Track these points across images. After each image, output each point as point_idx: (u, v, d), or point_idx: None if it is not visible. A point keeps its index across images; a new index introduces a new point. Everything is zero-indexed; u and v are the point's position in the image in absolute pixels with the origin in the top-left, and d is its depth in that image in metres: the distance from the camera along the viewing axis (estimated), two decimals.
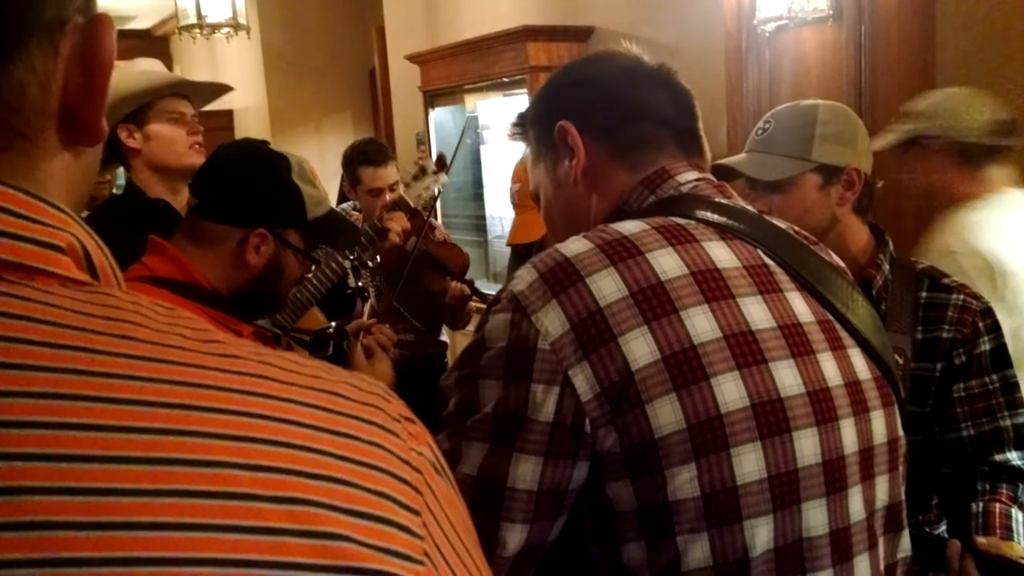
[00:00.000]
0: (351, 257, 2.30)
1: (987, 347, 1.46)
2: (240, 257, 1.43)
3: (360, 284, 2.11)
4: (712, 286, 0.82)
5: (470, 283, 2.75)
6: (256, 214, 1.43)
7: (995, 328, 1.47)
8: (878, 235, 1.57)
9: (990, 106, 1.89)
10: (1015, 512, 1.39)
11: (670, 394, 0.77)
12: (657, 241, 0.84)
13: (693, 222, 0.88)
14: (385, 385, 0.43)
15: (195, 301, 1.39)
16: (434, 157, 2.75)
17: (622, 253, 0.82)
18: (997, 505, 1.40)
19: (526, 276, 0.83)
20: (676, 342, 0.78)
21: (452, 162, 2.67)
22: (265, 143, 1.55)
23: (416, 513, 0.37)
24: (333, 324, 1.63)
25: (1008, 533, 1.35)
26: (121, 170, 3.27)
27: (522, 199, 3.69)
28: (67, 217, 0.39)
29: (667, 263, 0.82)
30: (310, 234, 1.51)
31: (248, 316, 1.49)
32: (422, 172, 2.56)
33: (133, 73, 2.01)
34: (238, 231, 1.42)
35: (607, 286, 0.80)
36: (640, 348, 0.77)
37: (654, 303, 0.79)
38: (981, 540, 1.33)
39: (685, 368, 0.78)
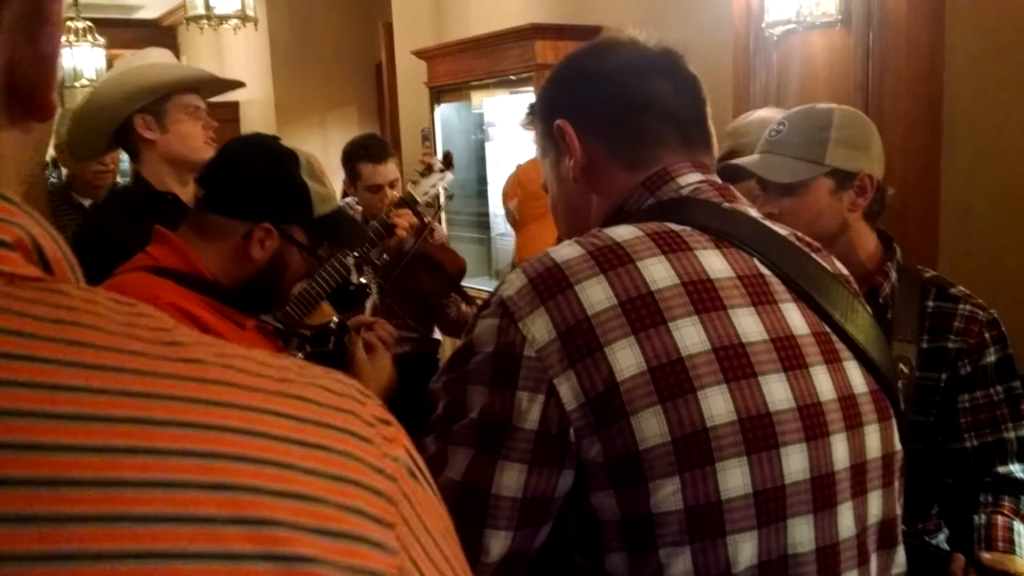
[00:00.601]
0: (355, 253, 2.30)
1: (992, 358, 1.46)
2: (244, 251, 1.42)
3: (363, 280, 2.11)
4: (703, 297, 0.81)
5: (464, 293, 2.74)
6: (261, 208, 1.42)
7: (1001, 339, 1.47)
8: (886, 242, 1.56)
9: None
10: (1017, 525, 1.38)
11: (655, 406, 0.76)
12: (649, 249, 0.82)
13: (689, 229, 0.86)
14: (360, 383, 0.41)
15: (198, 292, 1.39)
16: (440, 155, 2.73)
17: (613, 261, 0.81)
18: (1000, 518, 1.39)
19: (516, 281, 0.82)
20: (663, 354, 0.77)
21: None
22: (276, 139, 1.55)
23: (390, 526, 0.35)
24: (335, 319, 1.63)
25: (1011, 547, 1.35)
26: (125, 159, 3.27)
27: (521, 212, 3.69)
28: (15, 208, 0.36)
29: (658, 272, 0.81)
30: (315, 231, 1.50)
31: (250, 310, 1.49)
32: (428, 169, 2.55)
33: (157, 65, 1.99)
34: (243, 225, 1.42)
35: (596, 294, 0.79)
36: (626, 359, 0.76)
37: (643, 313, 0.78)
38: (986, 556, 1.33)
39: (672, 380, 0.76)
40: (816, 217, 1.47)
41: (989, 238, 2.50)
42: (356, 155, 2.80)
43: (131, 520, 0.30)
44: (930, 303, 1.49)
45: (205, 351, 0.36)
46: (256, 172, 1.44)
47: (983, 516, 1.41)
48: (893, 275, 1.51)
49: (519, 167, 3.78)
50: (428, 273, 2.75)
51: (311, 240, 1.50)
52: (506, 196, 3.82)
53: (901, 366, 1.43)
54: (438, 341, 3.10)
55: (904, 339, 1.45)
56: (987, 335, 1.46)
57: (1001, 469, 1.45)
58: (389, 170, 2.80)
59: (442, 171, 2.57)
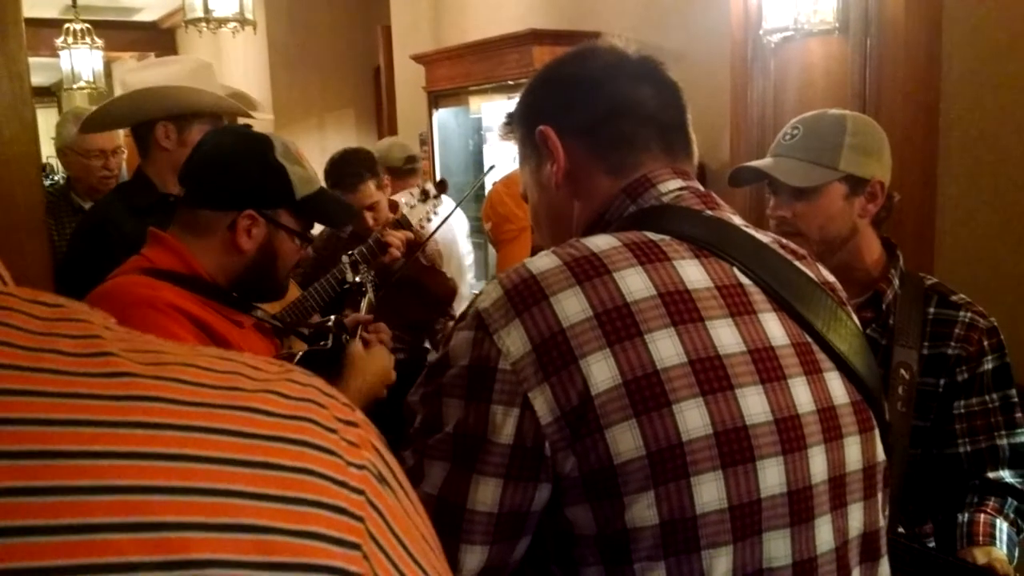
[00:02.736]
0: (350, 253, 2.31)
1: (990, 366, 1.47)
2: (232, 242, 1.42)
3: (358, 279, 2.11)
4: (680, 308, 0.80)
5: (452, 317, 2.73)
6: (241, 195, 1.42)
7: (999, 347, 1.48)
8: (890, 249, 1.58)
9: (405, 147, 3.62)
10: (999, 522, 1.40)
11: (630, 420, 0.75)
12: (626, 260, 0.81)
13: (667, 238, 0.85)
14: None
15: (196, 292, 1.39)
16: (438, 178, 2.76)
17: (589, 272, 0.80)
18: (982, 515, 1.42)
19: (492, 293, 0.81)
20: (639, 367, 0.76)
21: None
22: (248, 127, 1.54)
23: (354, 547, 0.31)
24: (332, 318, 1.63)
25: (991, 540, 1.37)
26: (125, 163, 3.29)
27: (495, 235, 3.70)
28: None
29: (634, 283, 0.80)
30: (301, 213, 1.49)
31: (249, 307, 1.49)
32: (424, 195, 2.56)
33: (200, 91, 2.04)
34: (227, 215, 1.41)
35: (571, 306, 0.78)
36: (601, 372, 0.75)
37: (618, 325, 0.77)
38: (982, 560, 1.34)
39: (647, 394, 0.75)
40: (828, 221, 1.49)
41: (985, 245, 2.51)
42: (330, 181, 2.71)
43: (38, 572, 0.26)
44: (931, 310, 1.51)
45: (138, 363, 0.32)
46: (231, 160, 1.44)
47: (966, 515, 1.43)
48: (896, 282, 1.53)
49: (494, 186, 3.78)
50: (415, 300, 2.71)
51: (299, 223, 1.49)
52: (484, 217, 3.83)
53: (902, 371, 1.44)
54: (428, 350, 3.08)
55: (906, 345, 1.47)
56: (986, 343, 1.47)
57: (992, 475, 1.47)
58: (364, 195, 2.71)
59: (436, 197, 2.57)
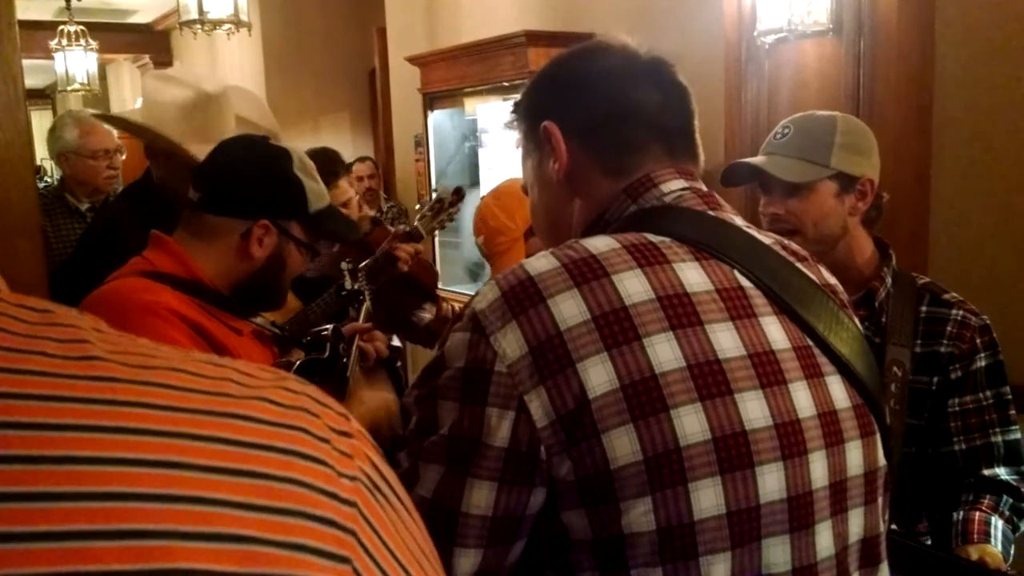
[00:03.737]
0: (348, 261, 2.31)
1: (983, 363, 1.48)
2: (244, 249, 1.43)
3: (356, 287, 2.11)
4: (679, 312, 0.79)
5: (436, 298, 2.76)
6: (260, 205, 1.44)
7: (992, 345, 1.50)
8: (882, 249, 1.59)
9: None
10: (995, 519, 1.41)
11: (627, 425, 0.74)
12: (625, 262, 0.81)
13: (668, 240, 0.85)
14: (317, 389, 0.36)
15: (195, 297, 1.39)
16: (451, 189, 2.79)
17: (587, 274, 0.79)
18: (977, 513, 1.43)
19: (488, 294, 0.81)
20: (636, 371, 0.75)
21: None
22: (265, 138, 1.56)
23: (344, 560, 0.30)
24: (330, 327, 1.63)
25: (986, 538, 1.38)
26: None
27: (488, 248, 3.73)
28: None
29: (633, 286, 0.79)
30: (312, 226, 1.52)
31: (248, 313, 1.50)
32: (439, 204, 2.59)
33: (159, 135, 2.06)
34: (241, 223, 1.43)
35: (568, 309, 0.77)
36: (598, 376, 0.75)
37: (616, 329, 0.77)
38: (975, 556, 1.35)
39: (644, 399, 0.75)
40: (821, 219, 1.51)
41: (979, 246, 2.52)
42: None
43: None
44: (923, 308, 1.52)
45: (125, 367, 0.31)
46: (252, 170, 1.46)
47: (961, 513, 1.44)
48: (889, 280, 1.54)
49: (483, 200, 3.80)
50: (409, 294, 2.72)
51: (308, 235, 1.52)
52: (475, 231, 3.84)
53: (895, 369, 1.45)
54: (398, 348, 3.07)
55: (898, 343, 1.48)
56: (978, 340, 1.48)
57: (987, 472, 1.48)
58: (339, 193, 2.70)
59: (452, 206, 2.61)
